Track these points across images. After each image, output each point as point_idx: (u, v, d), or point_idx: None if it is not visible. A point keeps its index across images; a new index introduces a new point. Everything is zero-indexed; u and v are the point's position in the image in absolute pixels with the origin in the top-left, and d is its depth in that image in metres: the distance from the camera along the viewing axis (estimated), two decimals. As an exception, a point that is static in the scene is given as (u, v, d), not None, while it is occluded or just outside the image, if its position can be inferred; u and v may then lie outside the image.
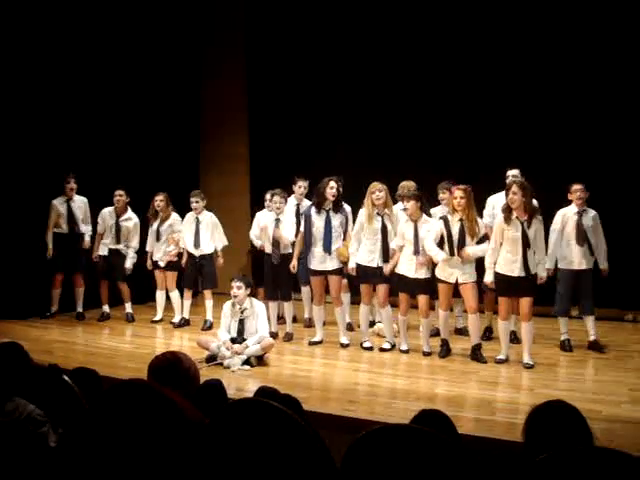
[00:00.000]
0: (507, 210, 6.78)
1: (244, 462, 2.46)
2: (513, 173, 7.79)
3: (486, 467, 2.18)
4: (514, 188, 6.70)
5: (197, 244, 8.88)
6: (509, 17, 9.42)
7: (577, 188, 7.42)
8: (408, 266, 7.31)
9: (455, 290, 7.15)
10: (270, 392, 3.55)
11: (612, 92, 8.92)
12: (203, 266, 8.93)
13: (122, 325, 9.04)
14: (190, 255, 8.92)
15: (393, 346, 7.53)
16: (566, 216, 7.49)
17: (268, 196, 8.75)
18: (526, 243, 6.68)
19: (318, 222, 7.73)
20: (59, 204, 9.16)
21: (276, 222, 8.16)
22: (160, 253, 9.01)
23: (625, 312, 8.96)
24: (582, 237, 7.39)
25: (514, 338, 7.44)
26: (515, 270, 6.73)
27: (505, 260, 6.81)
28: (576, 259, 7.42)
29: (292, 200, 8.72)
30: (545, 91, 9.25)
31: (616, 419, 5.12)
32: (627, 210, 8.82)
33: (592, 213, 7.45)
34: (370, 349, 7.55)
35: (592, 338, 7.39)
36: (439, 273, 7.12)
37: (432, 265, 7.28)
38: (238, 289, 7.13)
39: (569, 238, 7.44)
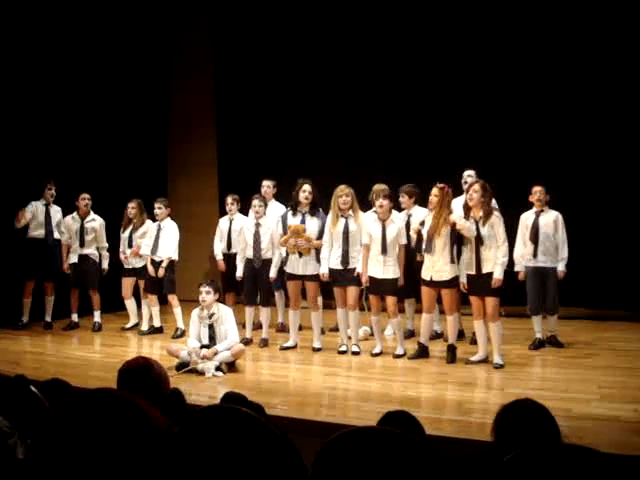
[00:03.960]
0: (466, 208, 6.91)
1: (215, 469, 2.45)
2: (468, 173, 7.95)
3: (454, 466, 2.19)
4: (475, 187, 6.83)
5: (155, 250, 8.78)
6: (478, 24, 9.53)
7: (536, 190, 7.63)
8: (376, 267, 7.33)
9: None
10: (237, 397, 3.53)
11: (576, 94, 9.05)
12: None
13: (91, 334, 8.95)
14: (152, 261, 8.84)
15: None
16: (526, 217, 7.68)
17: (229, 199, 8.83)
18: (478, 242, 6.75)
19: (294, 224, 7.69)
20: (35, 206, 9.04)
21: (256, 226, 8.15)
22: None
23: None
24: (534, 235, 7.56)
25: (474, 339, 7.49)
26: (471, 268, 6.83)
27: (467, 259, 6.90)
28: (532, 256, 7.58)
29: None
30: (510, 93, 9.36)
31: (586, 417, 5.16)
32: (594, 210, 8.93)
33: (552, 215, 7.62)
34: (357, 353, 7.48)
35: (549, 333, 7.57)
36: (422, 274, 7.14)
37: (405, 266, 7.36)
38: (207, 294, 7.07)
39: (526, 237, 7.63)
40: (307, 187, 7.66)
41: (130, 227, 9.04)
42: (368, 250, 7.36)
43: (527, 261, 7.61)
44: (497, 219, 6.79)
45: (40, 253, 9.04)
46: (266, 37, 10.87)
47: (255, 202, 8.19)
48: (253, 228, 8.18)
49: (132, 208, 8.99)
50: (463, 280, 6.92)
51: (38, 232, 9.06)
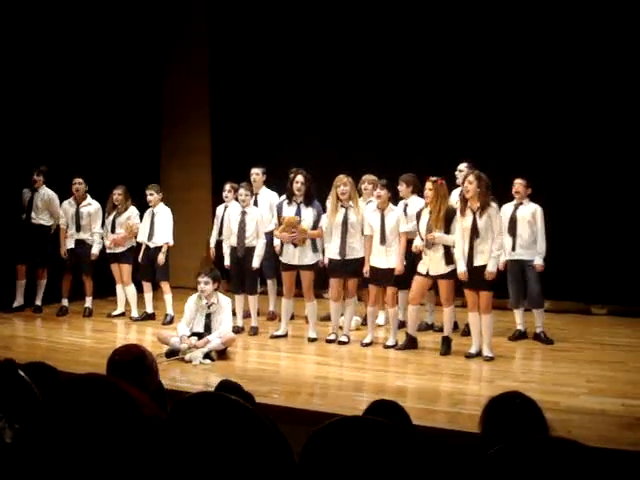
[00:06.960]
0: (463, 201, 6.84)
1: (202, 456, 2.45)
2: (461, 166, 7.93)
3: (441, 458, 2.20)
4: (470, 178, 6.75)
5: (151, 236, 8.79)
6: (468, 20, 9.48)
7: (516, 182, 7.61)
8: (378, 257, 7.31)
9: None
10: (232, 386, 3.53)
11: (562, 87, 9.04)
12: (157, 258, 8.80)
13: (81, 320, 8.91)
14: (146, 247, 8.84)
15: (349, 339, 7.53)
16: (505, 210, 7.60)
17: (227, 187, 8.76)
18: (474, 234, 6.70)
19: (289, 215, 7.66)
20: (25, 193, 9.10)
21: (242, 215, 8.10)
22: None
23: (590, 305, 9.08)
24: (512, 228, 7.54)
25: (467, 330, 7.48)
26: (466, 261, 6.78)
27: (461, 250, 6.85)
28: (511, 249, 7.55)
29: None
30: (503, 85, 9.32)
31: (574, 410, 5.20)
32: (583, 204, 8.95)
33: (531, 207, 7.57)
34: (344, 343, 7.47)
35: (537, 330, 7.52)
36: (419, 267, 7.11)
37: (406, 256, 7.30)
38: (205, 284, 7.06)
39: (505, 230, 7.54)
40: (300, 178, 7.61)
41: (114, 212, 9.00)
42: (370, 241, 7.34)
43: (507, 254, 7.53)
44: (494, 211, 6.74)
45: (24, 236, 9.04)
46: (262, 24, 10.77)
47: (241, 191, 8.11)
48: (239, 216, 8.12)
49: (118, 194, 8.93)
50: (462, 270, 6.82)
51: (22, 216, 9.10)
